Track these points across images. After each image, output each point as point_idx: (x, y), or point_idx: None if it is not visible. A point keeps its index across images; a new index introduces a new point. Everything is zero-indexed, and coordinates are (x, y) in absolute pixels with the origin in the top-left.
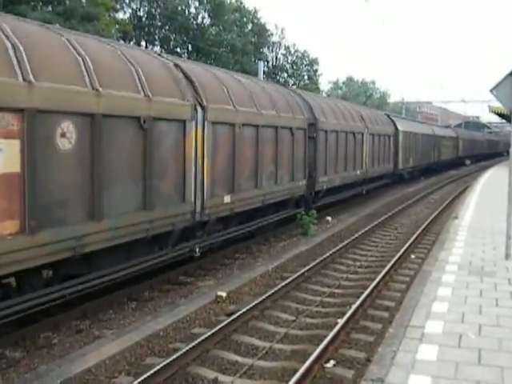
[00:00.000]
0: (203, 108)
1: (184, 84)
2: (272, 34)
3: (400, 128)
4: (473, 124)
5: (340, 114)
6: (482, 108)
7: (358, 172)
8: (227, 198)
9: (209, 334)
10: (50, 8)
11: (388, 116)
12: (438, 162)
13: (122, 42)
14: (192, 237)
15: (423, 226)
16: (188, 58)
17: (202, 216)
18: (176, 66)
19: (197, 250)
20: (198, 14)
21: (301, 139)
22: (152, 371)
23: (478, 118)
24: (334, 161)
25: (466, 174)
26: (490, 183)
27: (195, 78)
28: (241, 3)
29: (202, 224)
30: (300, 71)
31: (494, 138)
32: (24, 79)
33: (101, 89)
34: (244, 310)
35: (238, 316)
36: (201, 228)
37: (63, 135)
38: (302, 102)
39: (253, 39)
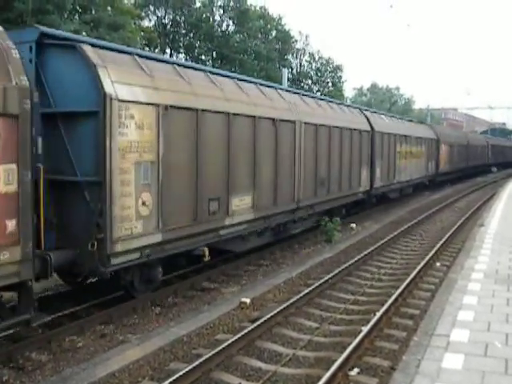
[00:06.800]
0: None
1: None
2: (296, 41)
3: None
4: (499, 131)
5: None
6: (508, 115)
7: None
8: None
9: (232, 340)
10: (76, 17)
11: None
12: (395, 187)
13: (147, 49)
14: None
15: (449, 233)
16: (213, 66)
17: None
18: None
19: None
20: (223, 21)
21: None
22: (175, 376)
23: (504, 124)
24: None
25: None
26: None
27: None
28: (265, 10)
29: None
30: (324, 78)
31: (502, 142)
32: None
33: None
34: (268, 316)
35: (261, 322)
36: None
37: None
38: None
39: (277, 46)
